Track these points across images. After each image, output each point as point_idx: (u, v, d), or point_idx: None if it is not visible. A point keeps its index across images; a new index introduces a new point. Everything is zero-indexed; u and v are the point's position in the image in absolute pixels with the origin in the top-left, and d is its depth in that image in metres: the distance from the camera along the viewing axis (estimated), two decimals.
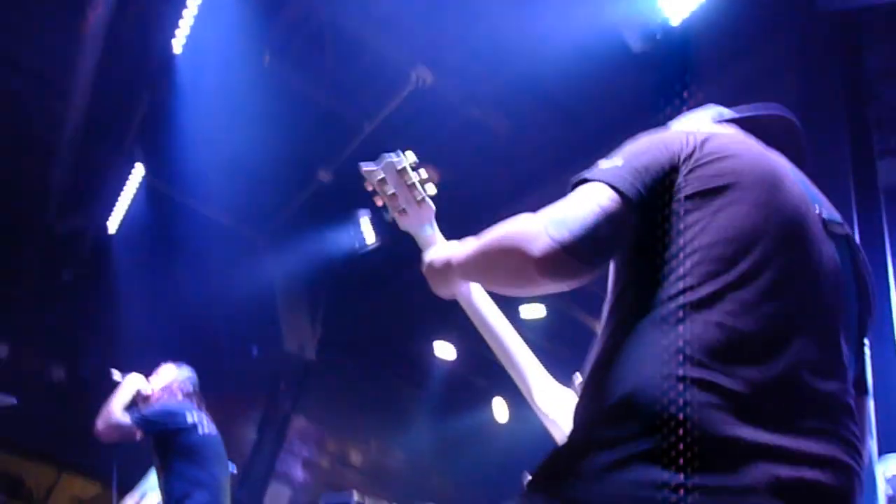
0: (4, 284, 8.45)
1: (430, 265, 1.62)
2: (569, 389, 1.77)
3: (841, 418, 1.13)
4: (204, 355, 7.85)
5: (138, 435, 4.08)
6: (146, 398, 4.30)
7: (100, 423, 4.01)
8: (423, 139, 6.06)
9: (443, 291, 1.65)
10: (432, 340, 8.49)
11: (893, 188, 3.57)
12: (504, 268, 1.23)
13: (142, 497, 5.29)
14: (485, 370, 7.96)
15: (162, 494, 4.14)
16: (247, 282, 7.90)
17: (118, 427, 4.01)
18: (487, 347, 1.83)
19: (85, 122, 6.30)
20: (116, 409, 4.07)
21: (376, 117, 5.79)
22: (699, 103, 1.61)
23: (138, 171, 6.81)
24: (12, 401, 2.82)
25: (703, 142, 1.25)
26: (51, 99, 6.05)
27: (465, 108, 5.69)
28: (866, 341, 1.36)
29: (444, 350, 8.57)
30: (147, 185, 7.11)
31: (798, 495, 1.01)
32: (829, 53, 3.91)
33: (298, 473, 8.80)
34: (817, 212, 1.27)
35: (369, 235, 6.70)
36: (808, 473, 1.03)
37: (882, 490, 2.47)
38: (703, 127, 1.48)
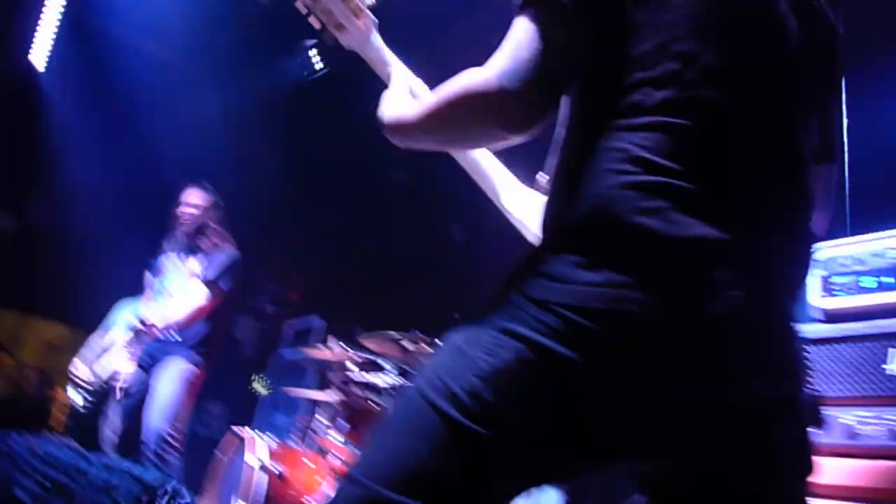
0: None
1: (389, 126, 1.41)
2: (533, 190, 1.77)
3: (786, 212, 1.18)
4: (154, 194, 7.71)
5: None
6: None
7: None
8: None
9: (405, 145, 1.42)
10: (385, 169, 8.43)
11: None
12: (470, 130, 1.24)
13: (106, 331, 5.38)
14: (439, 197, 7.98)
15: None
16: (192, 116, 7.63)
17: None
18: (450, 162, 1.79)
19: None
20: None
21: None
22: None
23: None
24: None
25: None
26: None
27: None
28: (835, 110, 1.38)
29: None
30: (72, 16, 6.64)
31: (748, 291, 1.06)
32: None
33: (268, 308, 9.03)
34: None
35: (317, 63, 6.47)
36: (755, 272, 1.09)
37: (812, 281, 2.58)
38: None
